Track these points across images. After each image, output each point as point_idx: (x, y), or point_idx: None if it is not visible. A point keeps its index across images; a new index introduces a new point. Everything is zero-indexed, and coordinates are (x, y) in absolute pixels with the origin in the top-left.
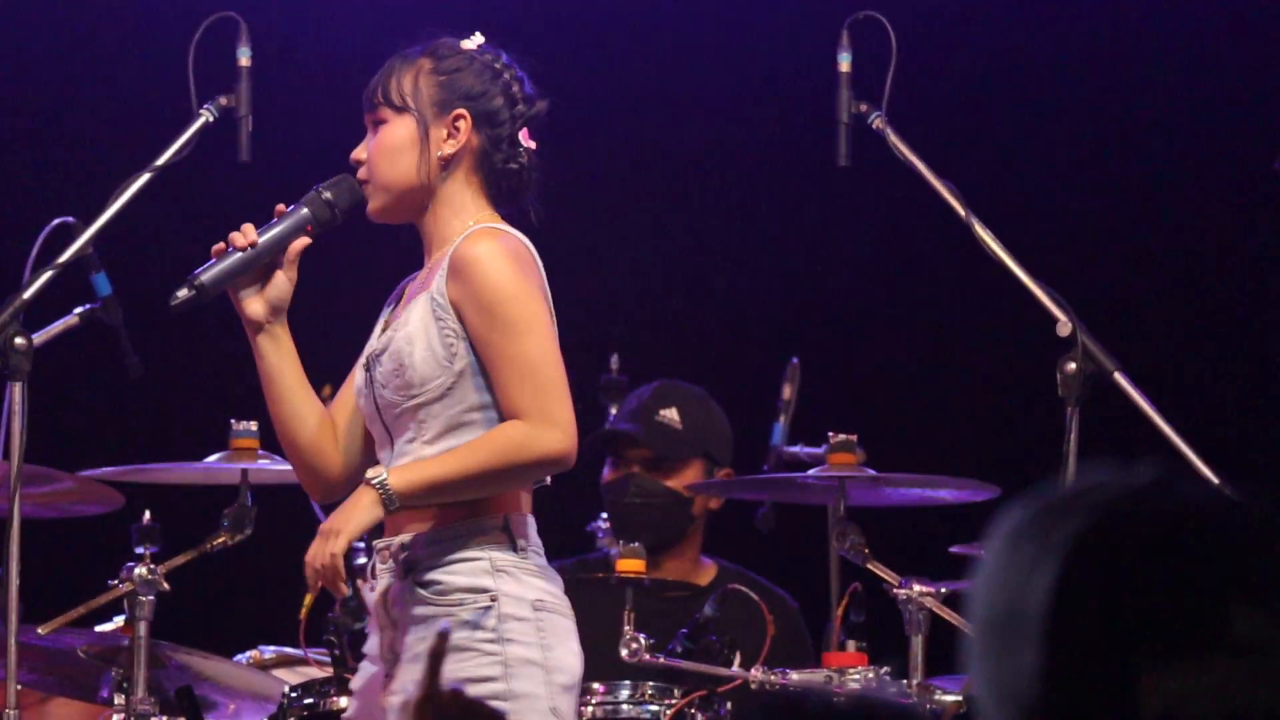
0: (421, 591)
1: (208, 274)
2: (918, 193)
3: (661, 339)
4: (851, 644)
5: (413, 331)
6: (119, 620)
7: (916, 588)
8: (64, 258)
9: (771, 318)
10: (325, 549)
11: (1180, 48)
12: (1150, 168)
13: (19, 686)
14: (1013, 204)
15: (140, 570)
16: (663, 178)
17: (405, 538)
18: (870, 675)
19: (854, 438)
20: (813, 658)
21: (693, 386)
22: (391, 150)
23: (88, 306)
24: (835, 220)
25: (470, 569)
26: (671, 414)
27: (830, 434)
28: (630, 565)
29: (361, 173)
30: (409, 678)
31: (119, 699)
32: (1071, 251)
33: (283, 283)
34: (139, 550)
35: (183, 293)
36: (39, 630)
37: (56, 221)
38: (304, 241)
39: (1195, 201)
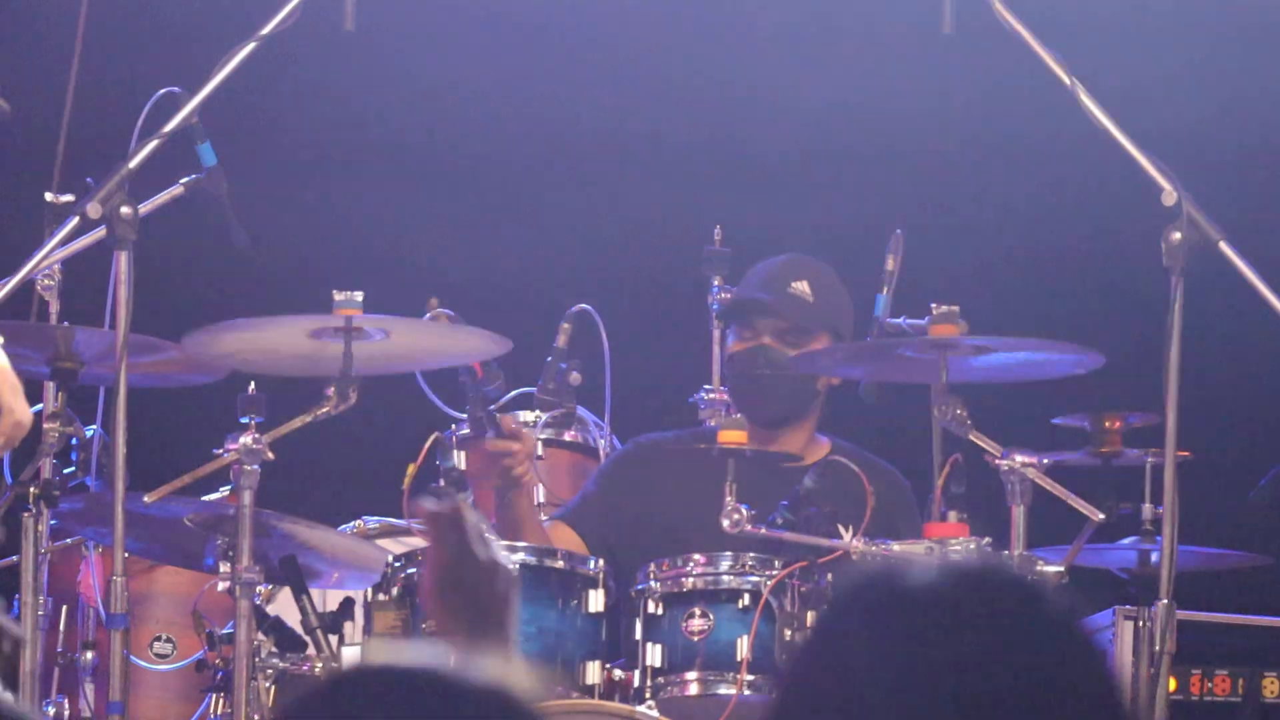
0: None
1: None
2: (1023, 60)
3: (764, 211)
4: (952, 515)
5: None
6: (224, 489)
7: (1018, 458)
8: (169, 127)
9: (875, 187)
10: None
11: None
12: (1265, 34)
13: (126, 554)
14: (1119, 72)
15: (245, 439)
16: (765, 45)
17: None
18: (971, 546)
19: (956, 308)
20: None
21: (820, 262)
22: None
23: (193, 176)
24: (939, 88)
25: None
26: (803, 286)
27: (933, 305)
28: (732, 436)
29: None
30: None
31: (224, 567)
32: (1178, 119)
33: None
34: (244, 420)
35: None
36: (145, 499)
37: (162, 91)
38: None
39: None
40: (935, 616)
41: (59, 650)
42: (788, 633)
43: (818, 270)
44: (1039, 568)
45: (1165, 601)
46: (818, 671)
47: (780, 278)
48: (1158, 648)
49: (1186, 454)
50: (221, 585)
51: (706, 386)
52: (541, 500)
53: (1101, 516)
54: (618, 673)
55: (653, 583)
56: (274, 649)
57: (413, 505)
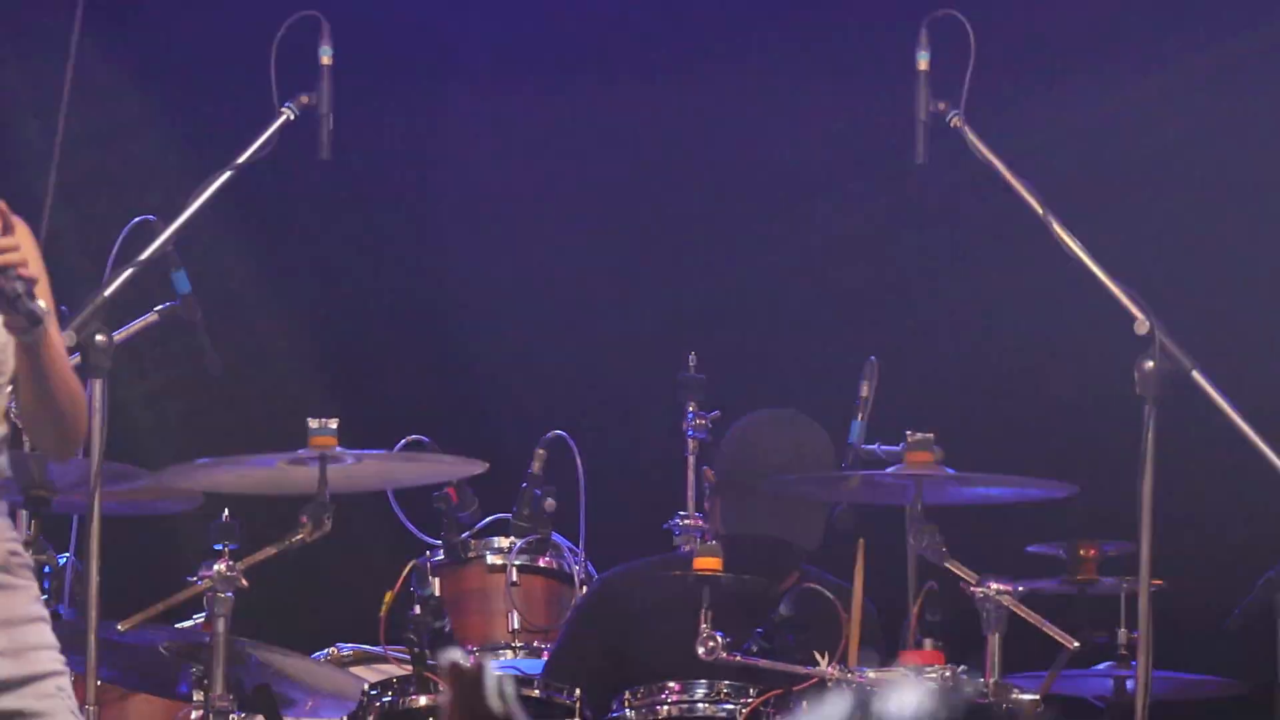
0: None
1: None
2: (995, 190)
3: (739, 336)
4: (928, 642)
5: None
6: (198, 617)
7: (994, 586)
8: (144, 255)
9: (849, 315)
10: None
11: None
12: (1230, 164)
13: (99, 682)
14: (1090, 202)
15: (219, 567)
16: (738, 176)
17: None
18: (946, 674)
19: (931, 436)
20: (883, 658)
21: (812, 424)
22: None
23: (168, 304)
24: (913, 217)
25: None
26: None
27: (908, 432)
28: (708, 564)
29: None
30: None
31: (198, 695)
32: (1150, 250)
33: None
34: (217, 547)
35: None
36: (119, 627)
37: (137, 220)
38: None
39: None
40: None
41: None
42: None
43: (817, 446)
44: (1014, 695)
45: None
46: None
47: (780, 472)
48: None
49: (1160, 582)
50: (195, 714)
51: (681, 513)
52: (516, 627)
53: (1076, 645)
54: None
55: (628, 711)
56: None
57: (439, 659)
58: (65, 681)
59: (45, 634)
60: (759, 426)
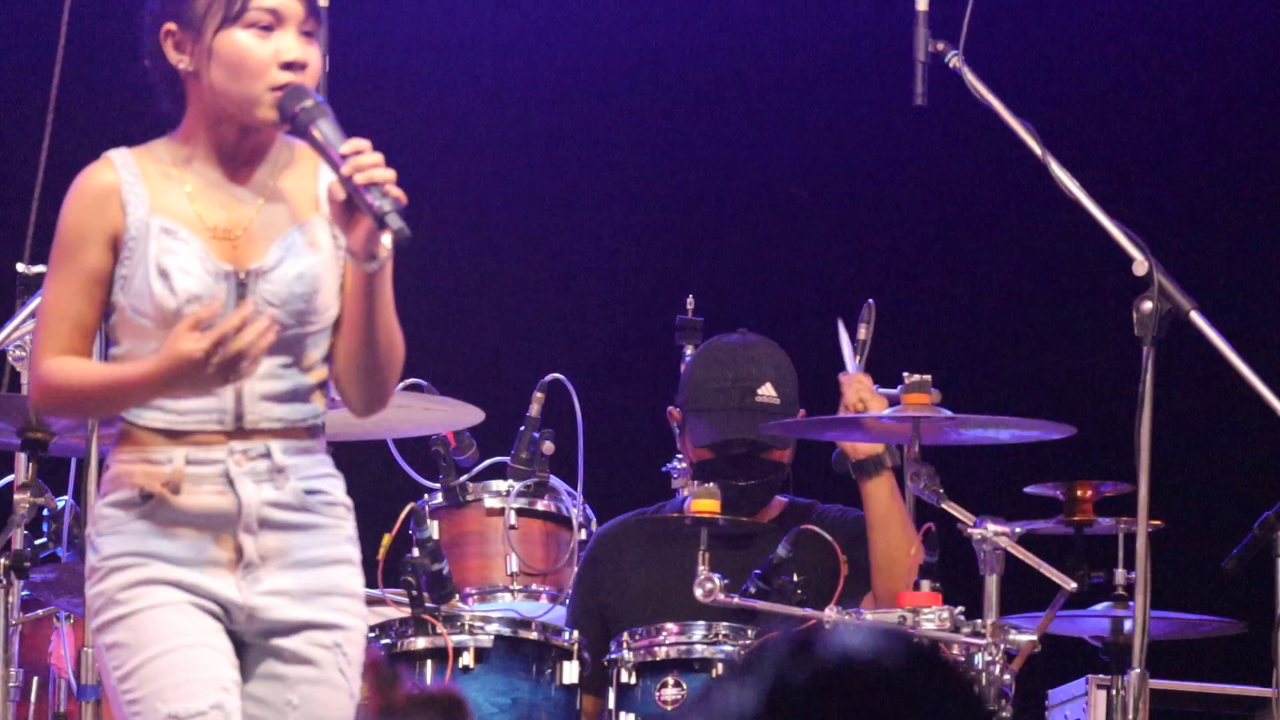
0: (310, 498)
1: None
2: (994, 132)
3: (736, 281)
4: (925, 583)
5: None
6: None
7: (991, 527)
8: None
9: (846, 258)
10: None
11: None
12: (1232, 107)
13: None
14: (1089, 143)
15: None
16: (736, 116)
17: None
18: (944, 615)
19: (929, 378)
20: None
21: (768, 342)
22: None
23: None
24: (911, 159)
25: (341, 486)
26: (768, 390)
27: (905, 374)
28: (705, 506)
29: (307, 81)
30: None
31: None
32: (1149, 190)
33: None
34: None
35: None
36: None
37: None
38: None
39: (1274, 139)
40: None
41: None
42: None
43: (771, 357)
44: (1012, 636)
45: (1138, 670)
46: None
47: (743, 385)
48: (1130, 717)
49: (1159, 523)
50: None
51: (679, 456)
52: (515, 570)
53: (1074, 586)
54: None
55: (626, 652)
56: None
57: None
58: (349, 636)
59: (339, 579)
60: (701, 355)
